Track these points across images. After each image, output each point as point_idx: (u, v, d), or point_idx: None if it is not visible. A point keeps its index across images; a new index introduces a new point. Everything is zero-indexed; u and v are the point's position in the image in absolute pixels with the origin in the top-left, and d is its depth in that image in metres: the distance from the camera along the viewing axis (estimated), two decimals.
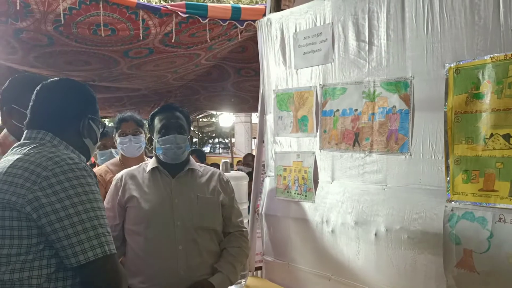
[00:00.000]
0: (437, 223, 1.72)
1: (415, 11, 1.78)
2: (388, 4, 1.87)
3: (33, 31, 3.55)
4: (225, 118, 9.34)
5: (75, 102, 1.45)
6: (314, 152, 2.27)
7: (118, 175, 2.05)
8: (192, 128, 13.34)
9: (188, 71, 5.23)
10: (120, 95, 6.62)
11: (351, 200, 2.08)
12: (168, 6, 3.51)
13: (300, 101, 2.32)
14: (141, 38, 3.58)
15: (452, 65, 1.67)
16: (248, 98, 6.45)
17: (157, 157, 2.03)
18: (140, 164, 2.09)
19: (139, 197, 1.93)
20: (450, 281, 1.67)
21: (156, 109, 2.08)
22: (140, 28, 3.49)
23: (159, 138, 1.97)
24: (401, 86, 1.85)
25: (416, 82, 1.80)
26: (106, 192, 2.33)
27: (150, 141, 2.09)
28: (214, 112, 9.85)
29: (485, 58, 1.58)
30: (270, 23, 2.43)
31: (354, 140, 2.06)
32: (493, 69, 1.56)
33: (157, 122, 2.01)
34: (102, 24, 3.38)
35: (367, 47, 1.97)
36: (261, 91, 2.59)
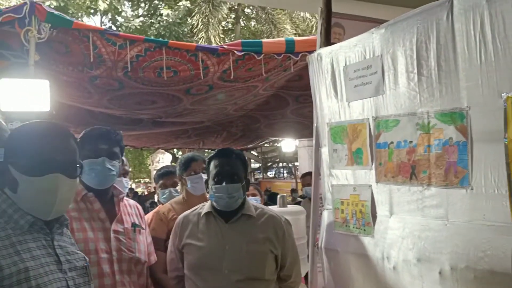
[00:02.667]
0: (505, 262, 1.60)
1: (466, 41, 1.72)
2: (437, 35, 1.82)
3: (105, 77, 3.89)
4: (288, 143, 9.40)
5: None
6: (370, 185, 2.22)
7: (178, 220, 2.12)
8: (255, 153, 13.54)
9: (247, 101, 5.38)
10: (185, 128, 6.93)
11: (411, 235, 2.00)
12: (225, 46, 3.67)
13: (353, 133, 2.30)
14: (202, 77, 3.76)
15: (510, 95, 1.59)
16: (308, 124, 6.46)
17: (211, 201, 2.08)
18: (197, 207, 2.15)
19: (193, 243, 1.98)
20: None
21: (213, 153, 2.11)
22: (200, 67, 3.68)
23: (212, 185, 2.00)
24: (456, 117, 1.78)
25: (473, 113, 1.73)
26: (169, 229, 2.45)
27: (206, 184, 2.13)
28: (277, 139, 9.94)
29: None
30: (321, 58, 2.46)
31: (411, 173, 2.00)
32: None
33: (212, 168, 2.04)
34: (165, 67, 3.62)
35: (416, 78, 1.93)
36: (315, 124, 2.60)
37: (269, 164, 14.95)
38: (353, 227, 2.34)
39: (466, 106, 1.75)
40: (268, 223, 2.03)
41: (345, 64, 2.31)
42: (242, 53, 3.69)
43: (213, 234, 1.98)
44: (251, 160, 14.07)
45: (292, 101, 5.57)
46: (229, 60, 3.76)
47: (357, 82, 2.24)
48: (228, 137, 7.80)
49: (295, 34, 12.46)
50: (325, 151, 2.54)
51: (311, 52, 3.39)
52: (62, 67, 3.60)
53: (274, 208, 2.78)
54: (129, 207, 2.04)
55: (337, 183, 2.45)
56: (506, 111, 1.60)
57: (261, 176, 13.19)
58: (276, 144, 12.59)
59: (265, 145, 12.13)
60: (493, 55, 1.63)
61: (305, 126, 6.37)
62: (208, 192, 2.09)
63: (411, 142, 1.99)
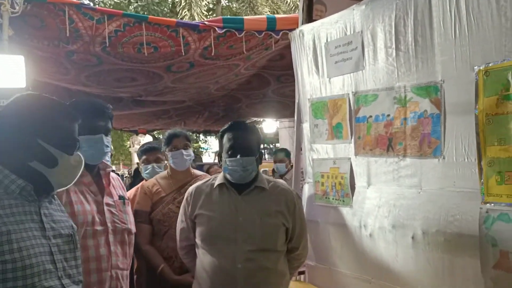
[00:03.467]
0: (473, 225, 1.72)
1: (442, 16, 1.80)
2: (415, 10, 1.90)
3: (83, 53, 3.84)
4: (269, 124, 9.42)
5: (16, 126, 1.37)
6: (349, 158, 2.31)
7: (190, 190, 2.13)
8: None
9: (229, 80, 5.39)
10: (166, 108, 6.90)
11: (387, 204, 2.11)
12: (206, 22, 3.68)
13: (334, 108, 2.37)
14: (183, 53, 3.77)
15: (481, 68, 1.68)
16: (289, 103, 6.54)
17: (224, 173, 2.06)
18: (209, 178, 2.16)
19: (205, 214, 2.00)
20: (488, 283, 1.67)
21: (226, 126, 2.09)
22: (181, 44, 3.68)
23: (226, 158, 1.99)
24: (431, 91, 1.87)
25: (446, 86, 1.82)
26: (153, 203, 2.54)
27: (219, 157, 2.11)
28: (258, 119, 9.96)
29: None
30: (303, 35, 2.51)
31: (388, 145, 2.09)
32: None
33: (226, 141, 2.03)
34: (145, 43, 3.61)
35: (394, 53, 2.01)
36: (297, 100, 2.67)
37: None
38: (333, 199, 2.44)
39: (441, 80, 1.84)
40: (280, 197, 2.05)
41: (327, 41, 2.37)
42: (224, 30, 3.70)
43: (226, 205, 2.00)
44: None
45: (274, 80, 5.61)
46: (210, 36, 3.76)
47: (337, 58, 2.31)
48: (209, 117, 7.81)
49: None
50: (306, 126, 2.61)
51: (292, 30, 3.46)
52: (37, 42, 3.54)
53: None
54: (113, 180, 2.06)
55: (317, 157, 2.53)
56: (477, 84, 1.70)
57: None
58: (256, 125, 12.62)
59: None
60: (467, 30, 1.72)
61: (286, 106, 6.43)
62: (220, 165, 2.11)
63: (388, 115, 2.08)
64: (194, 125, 8.41)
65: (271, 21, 3.74)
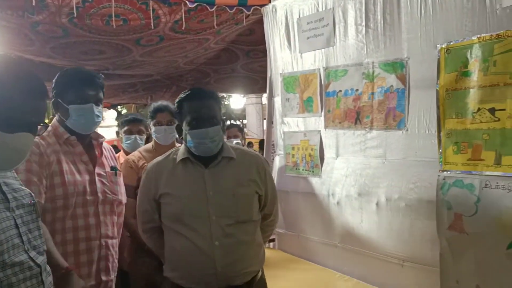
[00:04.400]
0: (431, 191, 1.88)
1: None
2: None
3: (48, 24, 3.73)
4: (236, 100, 9.44)
5: None
6: (319, 131, 2.43)
7: (148, 167, 1.93)
8: None
9: (198, 55, 5.37)
10: (133, 81, 6.80)
11: (354, 174, 2.25)
12: None
13: (305, 83, 2.47)
14: (152, 27, 3.73)
15: (443, 46, 1.81)
16: (257, 79, 6.58)
17: (187, 146, 1.87)
18: (169, 153, 1.95)
19: (171, 193, 1.82)
20: (443, 242, 1.85)
21: (184, 95, 1.87)
22: (151, 17, 3.65)
23: (189, 130, 1.79)
24: (397, 67, 2.00)
25: (411, 63, 1.95)
26: (139, 177, 2.36)
27: (179, 130, 1.91)
28: (225, 95, 9.97)
29: (473, 38, 1.71)
30: (275, 10, 2.57)
31: (356, 118, 2.22)
32: (480, 48, 1.70)
33: (186, 111, 1.81)
34: (114, 15, 3.55)
35: (364, 30, 2.11)
36: (268, 74, 2.75)
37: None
38: (303, 170, 2.56)
39: (406, 57, 1.96)
40: (250, 164, 1.90)
41: (299, 17, 2.45)
42: (195, 4, 3.68)
43: (193, 181, 1.82)
44: None
45: (243, 55, 5.63)
46: (181, 10, 3.73)
47: (309, 34, 2.39)
48: (177, 92, 7.73)
49: None
50: (278, 100, 2.70)
51: (263, 5, 3.49)
52: (0, 11, 3.43)
53: None
54: (105, 150, 2.00)
55: (288, 130, 2.64)
56: (439, 61, 1.83)
57: None
58: (223, 101, 12.64)
59: None
60: (432, 10, 1.84)
61: (254, 81, 6.48)
62: (181, 139, 1.93)
63: (357, 90, 2.20)
64: (161, 99, 8.30)
65: None
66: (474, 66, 1.72)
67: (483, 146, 1.72)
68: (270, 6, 2.61)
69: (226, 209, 1.81)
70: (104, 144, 2.01)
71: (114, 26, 3.64)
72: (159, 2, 3.56)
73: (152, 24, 3.72)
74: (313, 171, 2.50)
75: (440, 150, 1.85)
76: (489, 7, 1.66)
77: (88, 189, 1.80)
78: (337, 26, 2.24)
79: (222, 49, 5.29)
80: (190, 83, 7.14)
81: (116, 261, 1.93)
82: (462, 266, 1.81)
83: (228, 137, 5.66)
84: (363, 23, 2.10)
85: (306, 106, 2.50)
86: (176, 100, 1.89)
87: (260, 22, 4.25)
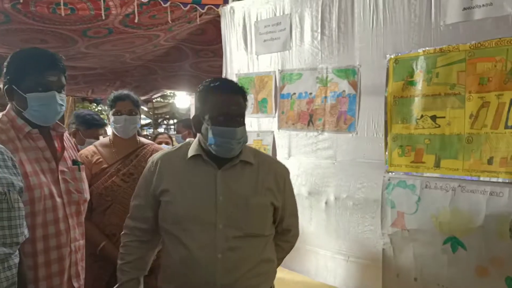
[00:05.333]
0: (377, 191, 2.02)
1: (362, 7, 2.04)
2: (339, 0, 2.12)
3: None
4: (182, 99, 9.32)
5: None
6: (273, 131, 2.51)
7: (154, 157, 1.70)
8: (146, 109, 13.21)
9: (147, 51, 5.29)
10: (74, 74, 6.53)
11: (305, 173, 2.35)
12: None
13: (260, 84, 2.54)
14: (103, 18, 3.64)
15: (392, 56, 1.96)
16: (206, 78, 6.56)
17: (201, 143, 1.64)
18: (176, 147, 1.75)
19: (175, 191, 1.59)
20: (386, 238, 1.99)
21: (212, 84, 1.63)
22: (102, 8, 3.56)
23: (214, 125, 1.55)
24: (350, 73, 2.12)
25: (363, 70, 2.08)
26: (92, 175, 2.20)
27: (197, 121, 1.63)
28: (169, 93, 9.81)
29: (419, 51, 1.87)
30: (233, 11, 2.62)
31: (309, 120, 2.32)
32: (424, 60, 1.85)
33: (214, 102, 1.57)
34: (62, 3, 3.42)
35: (319, 37, 2.22)
36: (224, 74, 2.79)
37: (160, 120, 14.69)
38: None
39: (358, 64, 2.09)
40: (268, 171, 1.68)
41: (257, 19, 2.52)
42: None
43: (203, 182, 1.60)
44: (141, 116, 13.66)
45: (193, 54, 5.62)
46: (134, 3, 3.67)
47: (266, 37, 2.47)
48: (121, 87, 7.51)
49: None
50: None
51: (217, 5, 3.53)
52: None
53: None
54: (65, 140, 1.76)
55: None
56: (388, 70, 1.97)
57: (151, 132, 12.85)
58: (167, 100, 12.41)
59: (158, 99, 11.85)
60: (382, 22, 1.98)
61: (202, 80, 6.46)
62: (191, 132, 1.81)
63: (310, 93, 2.30)
64: (102, 93, 8.06)
65: None
66: (419, 77, 1.88)
67: (425, 150, 1.88)
68: (228, 7, 2.66)
69: (236, 219, 1.58)
70: (63, 131, 1.78)
71: (63, 14, 3.51)
72: None
73: (102, 15, 3.62)
74: None
75: (386, 153, 2.00)
76: (434, 23, 1.82)
77: (54, 190, 1.59)
78: (293, 31, 2.33)
79: (172, 47, 5.25)
80: (135, 79, 7.00)
81: (83, 263, 1.75)
82: (402, 260, 1.96)
83: (179, 132, 5.56)
84: (319, 30, 2.21)
85: (261, 107, 2.57)
86: (201, 87, 1.64)
87: (212, 22, 4.28)
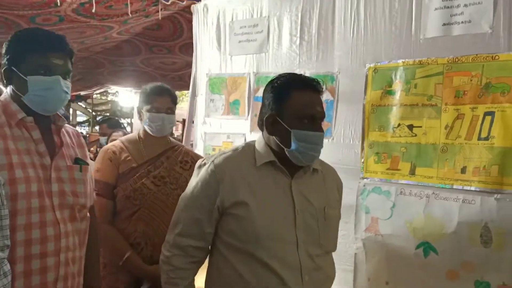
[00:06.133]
0: (352, 196, 2.06)
1: (343, 15, 2.07)
2: (320, 6, 2.14)
3: None
4: (125, 97, 8.89)
5: None
6: (244, 134, 2.48)
7: (218, 163, 1.42)
8: (83, 105, 12.51)
9: (96, 43, 5.05)
10: None
11: None
12: None
13: (233, 86, 2.50)
14: (58, 3, 3.43)
15: (371, 65, 2.01)
16: (156, 75, 6.41)
17: (272, 147, 1.43)
18: (241, 148, 1.50)
19: (253, 204, 1.36)
20: (359, 243, 2.04)
21: (295, 80, 1.44)
22: None
23: (298, 130, 1.36)
24: (328, 80, 2.15)
25: (341, 77, 2.11)
26: (119, 173, 1.99)
27: (272, 122, 1.41)
28: (110, 91, 9.41)
29: (398, 62, 1.93)
30: (207, 9, 2.56)
31: None
32: (403, 71, 1.92)
33: (297, 103, 1.37)
34: None
35: (298, 41, 2.23)
36: (193, 73, 2.72)
37: (99, 118, 14.05)
38: None
39: (337, 71, 2.12)
40: (332, 180, 1.58)
41: (232, 20, 2.47)
42: None
43: (279, 194, 1.40)
44: (77, 112, 12.91)
45: (145, 50, 5.44)
46: None
47: (242, 38, 2.44)
48: None
49: None
50: (200, 100, 2.69)
51: (181, 0, 3.43)
52: None
53: None
54: (69, 136, 1.57)
55: (210, 131, 2.64)
56: (367, 78, 2.02)
57: (89, 130, 12.14)
58: (106, 97, 11.90)
59: (99, 97, 11.34)
60: (363, 32, 2.02)
61: (153, 77, 6.29)
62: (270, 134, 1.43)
63: None
64: None
65: None
66: (398, 86, 1.94)
67: (401, 158, 1.95)
68: (201, 4, 2.59)
69: (315, 235, 1.43)
70: (69, 128, 1.61)
71: None
72: None
73: (56, 2, 3.41)
74: None
75: (362, 159, 2.04)
76: (414, 35, 1.89)
77: (44, 188, 1.40)
78: (271, 34, 2.32)
79: (123, 40, 5.05)
80: (79, 71, 6.64)
81: (79, 280, 1.51)
82: (374, 264, 2.02)
83: (103, 134, 5.10)
84: (298, 35, 2.22)
85: (232, 109, 2.53)
86: (277, 82, 1.44)
87: (170, 18, 4.17)
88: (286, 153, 1.39)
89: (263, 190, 1.40)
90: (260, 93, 2.39)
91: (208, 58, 2.61)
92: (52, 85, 1.41)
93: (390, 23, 1.95)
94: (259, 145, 1.47)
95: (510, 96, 1.66)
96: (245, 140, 2.49)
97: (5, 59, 1.42)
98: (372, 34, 2.00)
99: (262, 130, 1.48)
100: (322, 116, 1.42)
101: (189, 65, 5.55)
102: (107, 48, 5.30)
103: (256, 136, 2.42)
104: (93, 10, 3.56)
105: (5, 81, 1.45)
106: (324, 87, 1.47)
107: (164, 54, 5.31)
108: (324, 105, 2.14)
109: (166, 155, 2.07)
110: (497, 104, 1.69)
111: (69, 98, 1.51)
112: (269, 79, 2.33)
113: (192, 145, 2.86)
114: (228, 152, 1.48)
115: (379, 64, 1.98)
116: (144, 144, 2.07)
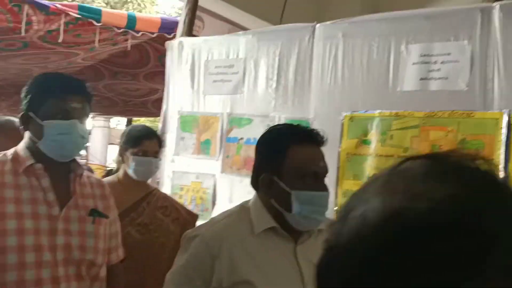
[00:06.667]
0: None
1: (321, 64, 2.08)
2: (298, 52, 2.14)
3: None
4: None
5: None
6: (214, 175, 2.41)
7: (212, 236, 1.24)
8: None
9: (60, 68, 4.89)
10: None
11: None
12: (58, 5, 3.30)
13: (205, 125, 2.44)
14: (22, 32, 3.29)
15: (348, 114, 2.00)
16: (118, 101, 6.29)
17: (270, 210, 1.26)
18: (236, 213, 1.32)
19: (258, 282, 1.18)
20: None
21: (290, 131, 1.31)
22: (23, 22, 3.22)
23: (299, 191, 1.20)
24: (303, 125, 2.12)
25: (316, 123, 2.09)
26: None
27: (267, 183, 1.25)
28: None
29: (375, 112, 1.94)
30: (182, 47, 2.52)
31: None
32: (380, 122, 1.92)
33: (297, 158, 1.22)
34: None
35: (274, 85, 2.21)
36: (163, 110, 2.64)
37: None
38: None
39: (312, 117, 2.10)
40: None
41: (207, 59, 2.43)
42: (76, 16, 3.39)
43: (284, 266, 1.23)
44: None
45: (109, 76, 5.31)
46: (60, 21, 3.39)
47: (216, 78, 2.39)
48: (17, 102, 6.81)
49: (106, 4, 11.59)
50: (170, 137, 2.60)
51: (152, 32, 3.39)
52: None
53: None
54: (90, 186, 1.48)
55: (179, 170, 2.55)
56: (343, 126, 2.01)
57: None
58: None
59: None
60: (340, 80, 2.03)
61: (114, 103, 6.16)
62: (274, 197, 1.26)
63: None
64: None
65: (131, 20, 3.58)
66: (374, 137, 1.94)
67: None
68: (176, 41, 2.54)
69: None
70: (93, 178, 1.52)
71: None
72: (36, 8, 3.17)
73: (22, 30, 3.28)
74: (202, 215, 2.44)
75: (336, 208, 2.01)
76: (392, 87, 1.91)
77: (44, 242, 1.29)
78: (247, 76, 2.29)
79: (88, 66, 4.92)
80: None
81: None
82: None
83: None
84: (274, 78, 2.20)
85: (203, 148, 2.46)
86: (272, 135, 1.31)
87: (137, 46, 4.10)
88: (287, 217, 1.22)
89: (267, 263, 1.22)
90: (233, 134, 2.34)
91: (180, 96, 2.54)
92: (68, 130, 1.34)
93: (368, 73, 1.96)
94: (255, 208, 1.28)
95: (484, 154, 1.69)
96: (215, 181, 2.41)
97: (24, 104, 1.39)
98: (350, 83, 2.01)
99: (256, 190, 1.32)
100: (325, 171, 1.28)
101: (152, 91, 5.47)
102: (71, 72, 5.13)
103: (227, 178, 2.37)
104: (60, 40, 3.45)
105: (23, 128, 1.40)
106: (325, 137, 1.31)
107: (128, 80, 5.21)
108: None
109: (146, 201, 2.00)
110: None
111: (86, 143, 1.44)
112: (243, 120, 2.32)
113: (158, 183, 2.75)
114: (221, 219, 1.31)
115: (355, 113, 1.99)
116: (125, 188, 1.98)
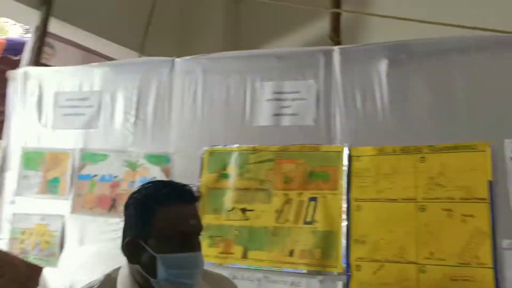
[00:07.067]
0: None
1: (181, 100, 2.09)
2: (157, 87, 2.12)
3: None
4: None
5: None
6: (63, 216, 2.19)
7: None
8: None
9: None
10: None
11: (101, 263, 2.08)
12: None
13: (53, 162, 2.23)
14: None
15: (207, 148, 2.03)
16: None
17: (137, 278, 1.16)
18: (102, 284, 1.20)
19: None
20: None
21: (156, 190, 1.20)
22: None
23: (166, 254, 1.11)
24: (163, 160, 2.08)
25: (177, 158, 2.07)
26: None
27: (134, 249, 1.15)
28: None
29: (233, 146, 2.00)
30: (27, 77, 2.30)
31: (111, 205, 2.13)
32: (238, 156, 1.99)
33: (163, 219, 1.13)
34: None
35: (133, 120, 2.14)
36: (3, 146, 2.35)
37: None
38: (34, 258, 2.20)
39: (173, 152, 2.08)
40: None
41: (57, 91, 2.26)
42: None
43: None
44: None
45: None
46: None
47: (68, 111, 2.23)
48: None
49: None
50: (10, 176, 2.31)
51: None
52: None
53: None
54: None
55: (20, 212, 2.26)
56: (203, 160, 2.03)
57: None
58: None
59: None
60: (201, 116, 2.06)
61: None
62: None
63: (116, 176, 2.14)
64: None
65: None
66: (232, 170, 1.99)
67: (233, 241, 1.95)
68: (21, 71, 2.31)
69: None
70: None
71: None
72: None
73: None
74: (47, 260, 2.18)
75: None
76: (248, 123, 2.00)
77: None
78: (102, 110, 2.18)
79: None
80: None
81: None
82: None
83: None
84: (133, 113, 2.14)
85: (50, 187, 2.23)
86: (138, 196, 1.20)
87: None
88: (153, 284, 1.12)
89: None
90: (86, 171, 2.19)
91: (24, 130, 2.30)
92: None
93: (227, 109, 2.03)
94: (122, 277, 1.18)
95: (330, 184, 1.85)
96: (63, 223, 2.19)
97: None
98: (209, 119, 2.05)
99: (125, 256, 1.20)
100: (196, 229, 1.19)
101: None
102: None
103: (78, 219, 2.17)
104: None
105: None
106: (198, 192, 1.23)
107: None
108: None
109: None
110: (319, 191, 1.86)
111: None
112: (97, 156, 2.18)
113: None
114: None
115: (215, 147, 2.02)
116: None
